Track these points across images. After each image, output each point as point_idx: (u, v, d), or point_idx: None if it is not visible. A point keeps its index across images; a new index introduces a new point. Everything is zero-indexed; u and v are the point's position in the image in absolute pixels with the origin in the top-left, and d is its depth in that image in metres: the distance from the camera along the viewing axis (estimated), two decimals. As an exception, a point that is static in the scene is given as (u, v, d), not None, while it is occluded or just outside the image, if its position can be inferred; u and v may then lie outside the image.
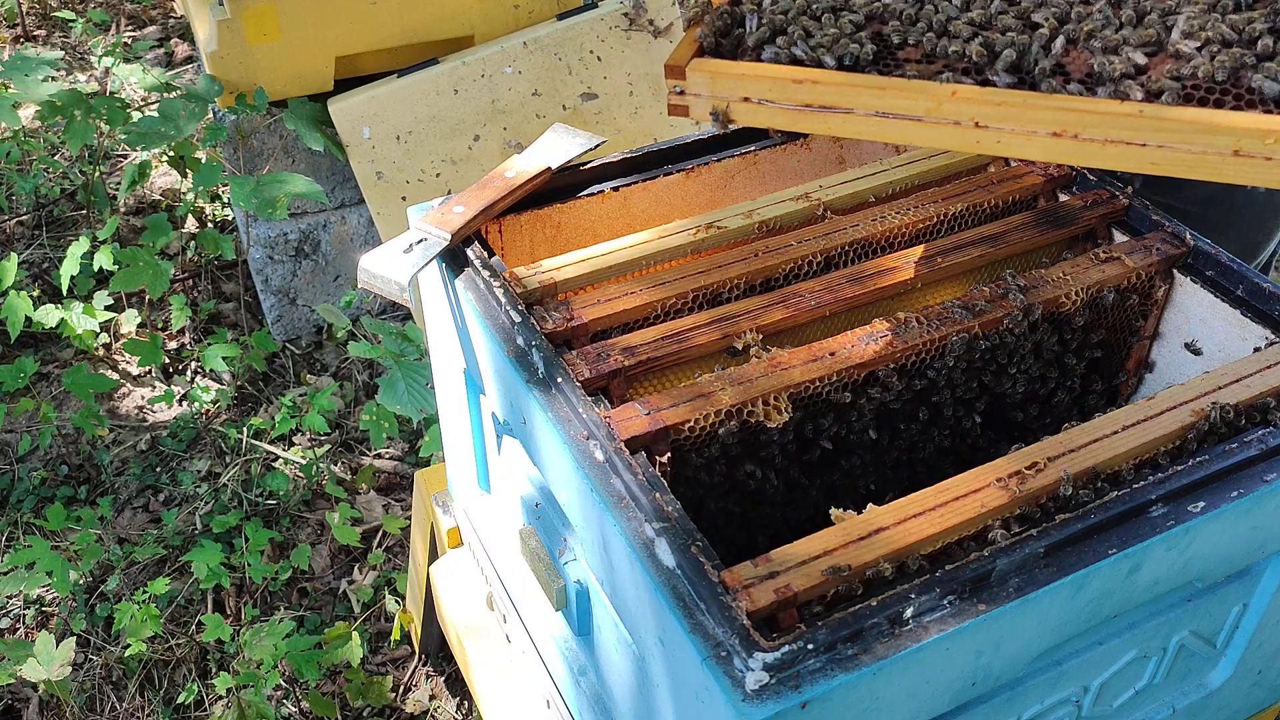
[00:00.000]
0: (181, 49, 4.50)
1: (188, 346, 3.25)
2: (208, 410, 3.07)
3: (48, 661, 2.19)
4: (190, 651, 2.49)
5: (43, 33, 4.66)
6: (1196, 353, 1.49)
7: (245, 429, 2.98)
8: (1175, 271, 1.60)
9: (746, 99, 1.28)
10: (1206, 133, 1.09)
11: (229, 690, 2.36)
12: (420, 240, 1.50)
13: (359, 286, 1.50)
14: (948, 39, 1.26)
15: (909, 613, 1.07)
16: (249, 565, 2.59)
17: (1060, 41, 1.21)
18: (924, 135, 1.23)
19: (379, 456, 2.99)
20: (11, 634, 2.55)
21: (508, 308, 1.41)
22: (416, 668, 2.51)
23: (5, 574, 2.51)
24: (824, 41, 1.27)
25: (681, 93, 1.31)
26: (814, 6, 1.33)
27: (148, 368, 3.17)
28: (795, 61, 1.28)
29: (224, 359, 3.04)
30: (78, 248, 2.95)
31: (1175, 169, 1.12)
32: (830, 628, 1.05)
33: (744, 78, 1.28)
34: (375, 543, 2.76)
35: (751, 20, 1.33)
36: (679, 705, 1.15)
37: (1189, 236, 1.59)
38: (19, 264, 3.15)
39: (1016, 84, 1.20)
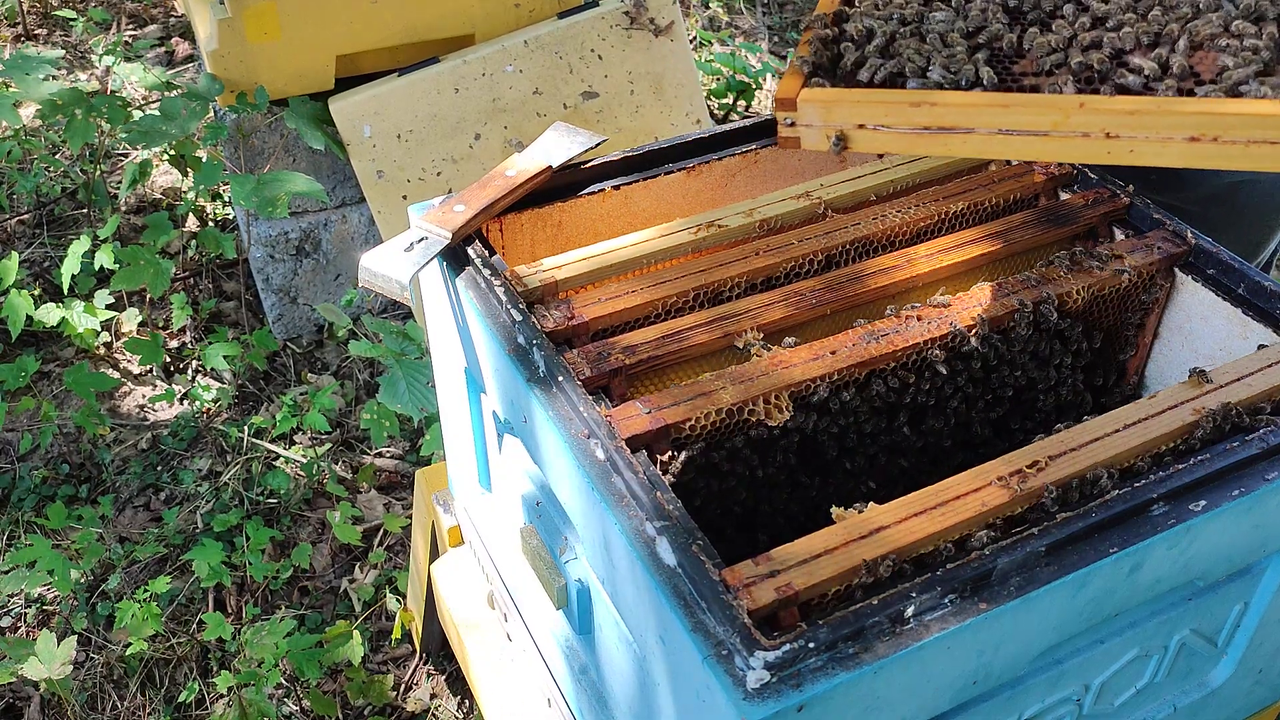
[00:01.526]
0: (182, 48, 4.50)
1: (189, 345, 3.25)
2: (209, 409, 3.07)
3: (49, 660, 2.19)
4: (191, 650, 2.49)
5: (43, 31, 4.66)
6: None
7: (246, 428, 2.98)
8: (1176, 270, 1.60)
9: (861, 125, 1.24)
10: None
11: (230, 689, 2.36)
12: (421, 239, 1.50)
13: (360, 285, 1.50)
14: (1064, 52, 1.23)
15: (910, 611, 1.07)
16: (250, 564, 2.59)
17: (1184, 42, 1.18)
18: (1050, 150, 1.18)
19: (380, 455, 2.99)
20: (13, 633, 2.55)
21: (508, 306, 1.41)
22: (417, 666, 2.51)
23: (6, 573, 2.51)
24: (944, 63, 1.24)
25: (792, 124, 1.27)
26: (922, 28, 1.29)
27: (149, 366, 3.17)
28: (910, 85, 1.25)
29: (225, 358, 3.04)
30: (79, 246, 2.95)
31: None
32: (831, 626, 1.05)
33: (859, 104, 1.24)
34: (376, 541, 2.76)
35: (860, 47, 1.29)
36: (680, 704, 1.15)
37: (1190, 235, 1.59)
38: (20, 263, 3.15)
39: (1142, 92, 1.16)
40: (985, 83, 1.22)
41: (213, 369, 3.13)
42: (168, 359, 3.21)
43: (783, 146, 1.32)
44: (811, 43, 1.30)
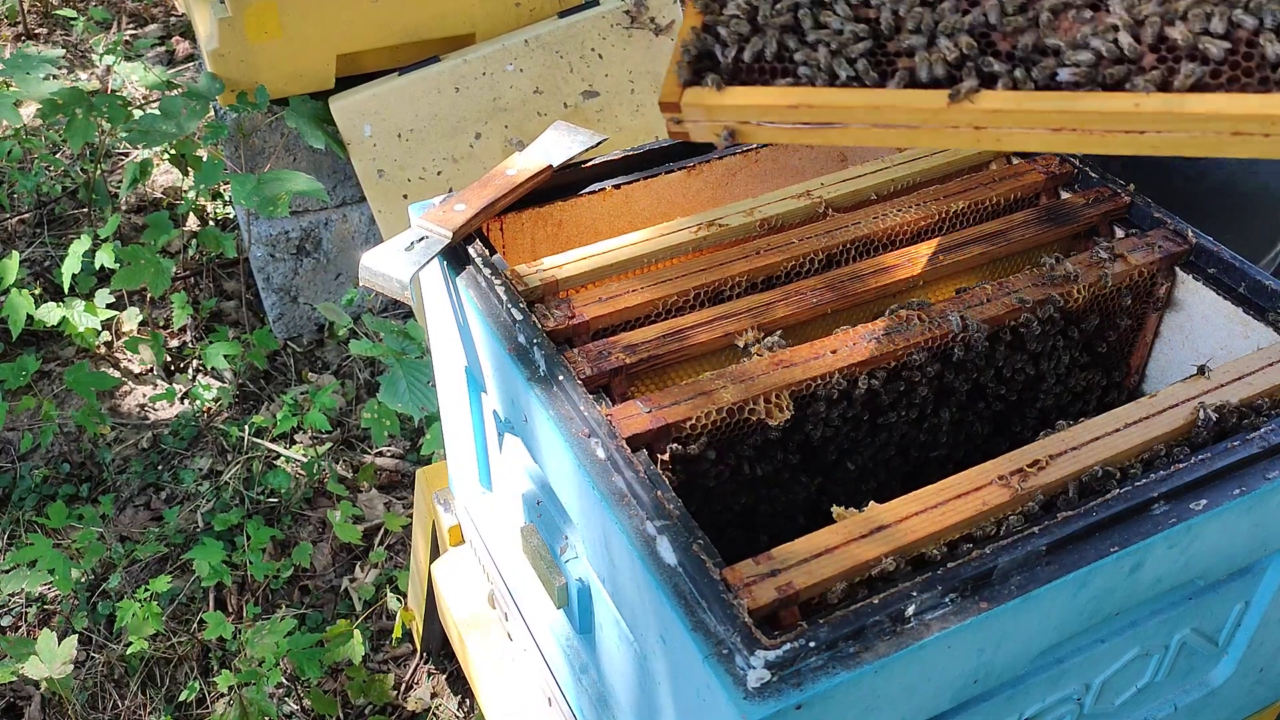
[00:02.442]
0: (183, 47, 4.50)
1: (189, 345, 3.25)
2: (209, 408, 3.07)
3: (50, 659, 2.19)
4: (192, 649, 2.49)
5: (44, 31, 4.66)
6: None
7: (247, 427, 2.98)
8: (1177, 269, 1.60)
9: (745, 122, 1.28)
10: (1205, 120, 1.10)
11: (231, 688, 2.36)
12: (421, 238, 1.50)
13: (360, 284, 1.50)
14: (929, 35, 1.23)
15: (911, 610, 1.07)
16: (250, 563, 2.60)
17: (1046, 15, 1.19)
18: (922, 138, 1.23)
19: (380, 454, 2.99)
20: (14, 632, 2.55)
21: (509, 305, 1.41)
22: (418, 665, 2.51)
23: (7, 572, 2.51)
24: (823, 58, 1.25)
25: (679, 122, 1.31)
26: (798, 19, 1.29)
27: (149, 366, 3.17)
28: (792, 80, 1.27)
29: (225, 357, 3.04)
30: (79, 246, 2.95)
31: (1175, 150, 1.14)
32: (832, 625, 1.05)
33: (739, 107, 1.27)
34: (377, 540, 2.76)
35: (732, 50, 1.30)
36: (680, 703, 1.15)
37: (1191, 234, 1.58)
38: (20, 262, 3.16)
39: (1010, 74, 1.19)
40: (862, 78, 1.24)
41: (213, 368, 3.13)
42: (168, 358, 3.21)
43: (673, 138, 1.34)
44: (687, 40, 1.31)
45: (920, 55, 1.22)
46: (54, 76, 3.51)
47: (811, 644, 1.03)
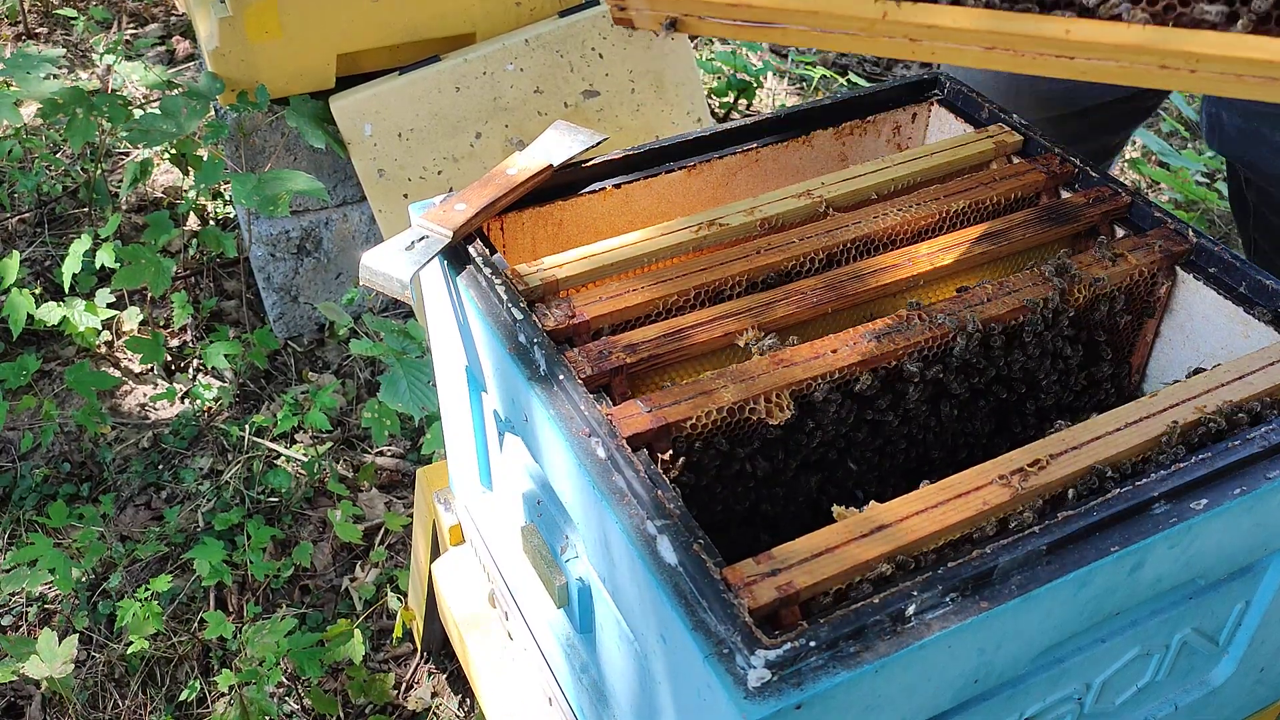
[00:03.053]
0: (183, 46, 4.50)
1: (189, 344, 3.25)
2: (210, 408, 3.07)
3: (50, 659, 2.19)
4: (192, 649, 2.49)
5: (44, 30, 4.66)
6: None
7: (247, 426, 2.98)
8: (1178, 269, 1.59)
9: (687, 15, 1.31)
10: (1132, 52, 1.11)
11: (231, 687, 2.36)
12: (422, 238, 1.50)
13: (360, 284, 1.50)
14: None
15: (911, 610, 1.07)
16: (251, 562, 2.60)
17: None
18: (859, 45, 1.25)
19: (381, 454, 2.99)
20: (14, 631, 2.55)
21: (509, 305, 1.41)
22: (418, 665, 2.51)
23: (8, 571, 2.52)
24: None
25: (623, 9, 1.33)
26: None
27: (149, 365, 3.17)
28: None
29: (226, 356, 3.04)
30: (79, 245, 2.95)
31: (1105, 78, 1.15)
32: (832, 625, 1.05)
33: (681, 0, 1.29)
34: (377, 540, 2.76)
35: None
36: (681, 702, 1.15)
37: (1191, 233, 1.58)
38: (21, 262, 3.15)
39: None
40: None
41: (214, 368, 3.13)
42: (169, 358, 3.21)
43: (616, 24, 1.37)
44: None
45: None
46: (54, 76, 3.52)
47: (812, 643, 1.03)
